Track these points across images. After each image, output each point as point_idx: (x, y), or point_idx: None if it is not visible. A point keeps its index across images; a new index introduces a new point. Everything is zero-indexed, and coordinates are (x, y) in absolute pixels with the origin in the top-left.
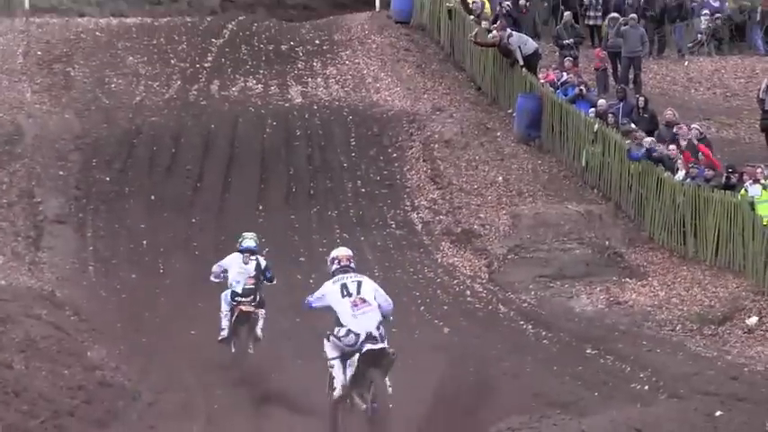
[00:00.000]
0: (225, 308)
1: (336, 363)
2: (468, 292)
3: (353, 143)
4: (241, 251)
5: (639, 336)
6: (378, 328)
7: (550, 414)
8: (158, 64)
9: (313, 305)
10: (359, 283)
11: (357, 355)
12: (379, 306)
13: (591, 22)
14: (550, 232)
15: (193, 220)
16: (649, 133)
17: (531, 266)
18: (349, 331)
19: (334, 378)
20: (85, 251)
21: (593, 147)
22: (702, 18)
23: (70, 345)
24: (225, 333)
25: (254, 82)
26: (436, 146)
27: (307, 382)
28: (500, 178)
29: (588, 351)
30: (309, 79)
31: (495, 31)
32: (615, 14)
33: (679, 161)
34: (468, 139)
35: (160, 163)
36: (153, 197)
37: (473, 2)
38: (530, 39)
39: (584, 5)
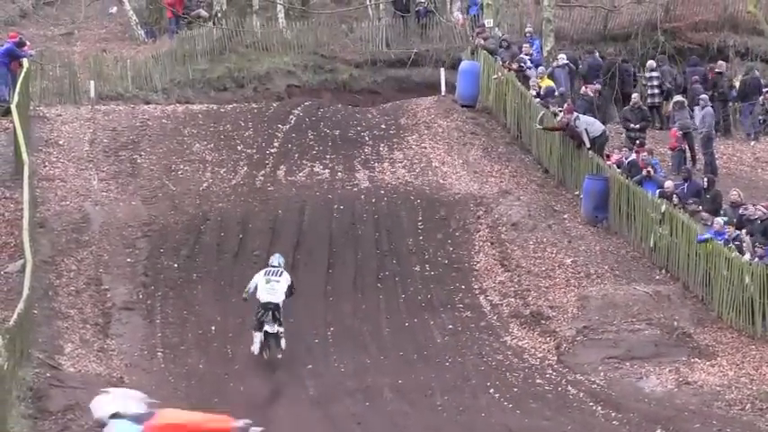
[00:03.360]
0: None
1: None
2: (538, 374)
3: (420, 227)
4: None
5: (709, 416)
6: None
7: None
8: (225, 150)
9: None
10: None
11: None
12: None
13: (649, 101)
14: (619, 313)
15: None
16: (714, 213)
17: (600, 348)
18: None
19: None
20: (154, 337)
21: (661, 228)
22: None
23: None
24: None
25: (321, 167)
26: (504, 228)
27: None
28: (568, 260)
29: None
30: (376, 164)
31: (561, 115)
32: (680, 97)
33: (745, 242)
34: (535, 221)
35: (228, 249)
36: (221, 283)
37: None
38: (597, 121)
39: (638, 84)
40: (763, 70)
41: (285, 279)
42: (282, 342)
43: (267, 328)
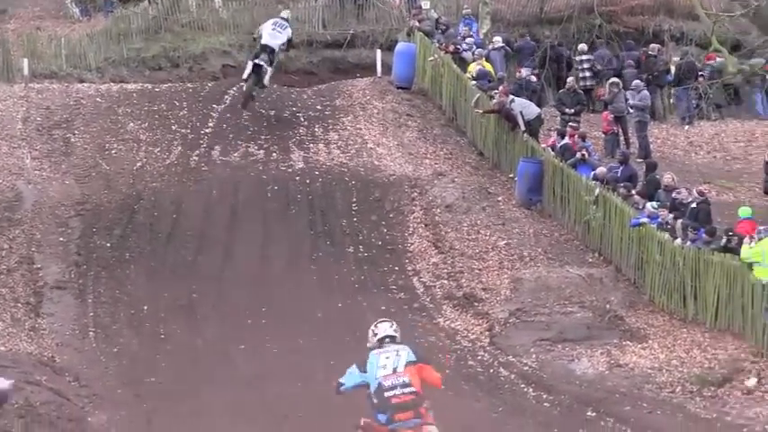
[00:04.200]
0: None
1: None
2: (470, 356)
3: (355, 208)
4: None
5: (640, 398)
6: None
7: None
8: (159, 130)
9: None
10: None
11: None
12: None
13: (581, 84)
14: (552, 296)
15: (194, 286)
16: (651, 198)
17: (533, 330)
18: None
19: None
20: (86, 317)
21: (595, 211)
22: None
23: (70, 410)
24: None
25: (256, 147)
26: (438, 210)
27: None
28: (501, 242)
29: (589, 414)
30: (311, 144)
31: (497, 97)
32: (616, 79)
33: (678, 227)
34: (469, 203)
35: (161, 229)
36: (154, 263)
37: (478, 70)
38: (532, 104)
39: (573, 67)
40: (698, 55)
41: (287, 33)
42: (266, 79)
43: (258, 61)
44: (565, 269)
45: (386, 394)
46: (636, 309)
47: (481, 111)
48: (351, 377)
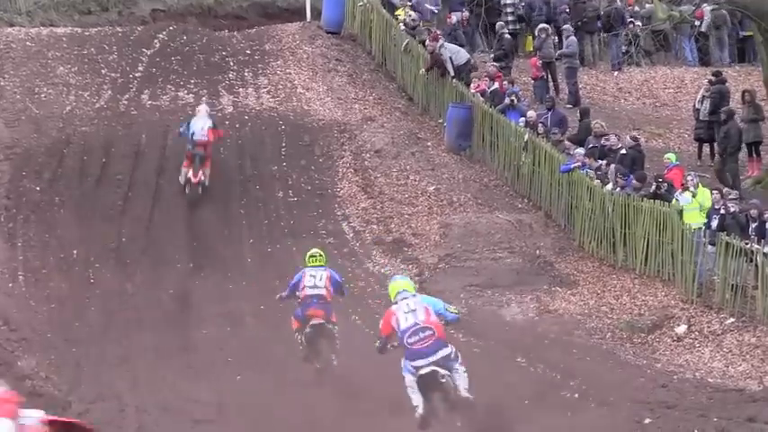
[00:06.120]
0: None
1: None
2: None
3: (284, 153)
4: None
5: (570, 344)
6: None
7: None
8: (89, 74)
9: None
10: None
11: None
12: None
13: (509, 29)
14: (481, 241)
15: (123, 230)
16: (582, 144)
17: (462, 276)
18: None
19: None
20: (15, 261)
21: (524, 156)
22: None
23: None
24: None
25: (185, 92)
26: (367, 156)
27: None
28: (431, 188)
29: (519, 360)
30: (240, 89)
31: (427, 41)
32: (545, 25)
33: (609, 172)
34: (398, 148)
35: (90, 173)
36: (83, 207)
37: (408, 16)
38: (462, 49)
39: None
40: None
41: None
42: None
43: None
44: (494, 215)
45: None
46: (565, 255)
47: (424, 70)
48: None
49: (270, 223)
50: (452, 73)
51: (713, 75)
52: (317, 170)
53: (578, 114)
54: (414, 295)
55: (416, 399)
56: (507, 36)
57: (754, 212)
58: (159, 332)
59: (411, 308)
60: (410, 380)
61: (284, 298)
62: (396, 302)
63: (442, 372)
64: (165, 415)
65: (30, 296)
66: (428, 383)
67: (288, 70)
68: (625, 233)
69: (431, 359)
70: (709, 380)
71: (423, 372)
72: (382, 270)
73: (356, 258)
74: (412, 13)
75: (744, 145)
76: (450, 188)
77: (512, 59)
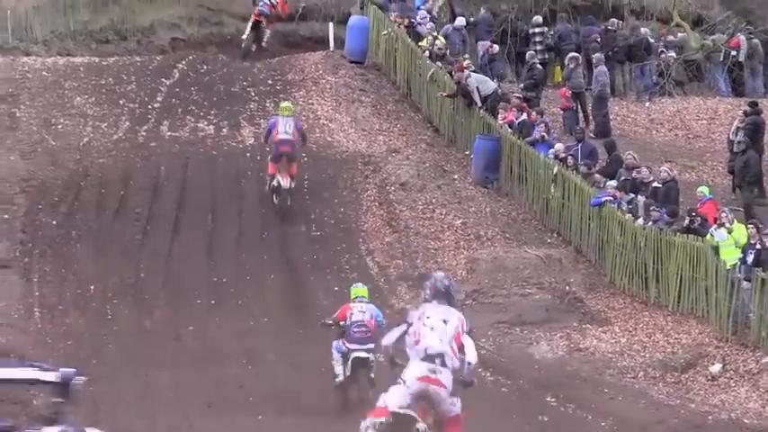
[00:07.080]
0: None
1: None
2: None
3: (307, 185)
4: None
5: (601, 383)
6: None
7: None
8: (106, 104)
9: None
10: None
11: None
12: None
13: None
14: (509, 277)
15: (142, 265)
16: (612, 176)
17: (490, 312)
18: None
19: None
20: (31, 296)
21: (554, 189)
22: (662, 58)
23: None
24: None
25: (205, 123)
26: (392, 188)
27: None
28: (458, 222)
29: (548, 399)
30: (262, 120)
31: (454, 73)
32: (575, 54)
33: (640, 206)
34: (424, 181)
35: (108, 206)
36: (101, 241)
37: (434, 45)
38: (489, 79)
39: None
40: (658, 30)
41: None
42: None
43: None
44: (523, 249)
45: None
46: (596, 291)
47: (444, 94)
48: None
49: (292, 258)
50: (479, 103)
51: (749, 105)
52: (340, 203)
53: (604, 147)
54: (368, 302)
55: (339, 369)
56: (539, 66)
57: None
58: (178, 370)
59: (361, 310)
60: (337, 356)
61: None
62: (353, 302)
63: (371, 357)
64: None
65: (46, 333)
66: (358, 363)
67: (310, 101)
68: (657, 269)
69: (364, 347)
70: (745, 420)
71: (356, 354)
72: (408, 306)
73: (380, 295)
74: (438, 42)
75: None
76: (478, 222)
77: (541, 90)
